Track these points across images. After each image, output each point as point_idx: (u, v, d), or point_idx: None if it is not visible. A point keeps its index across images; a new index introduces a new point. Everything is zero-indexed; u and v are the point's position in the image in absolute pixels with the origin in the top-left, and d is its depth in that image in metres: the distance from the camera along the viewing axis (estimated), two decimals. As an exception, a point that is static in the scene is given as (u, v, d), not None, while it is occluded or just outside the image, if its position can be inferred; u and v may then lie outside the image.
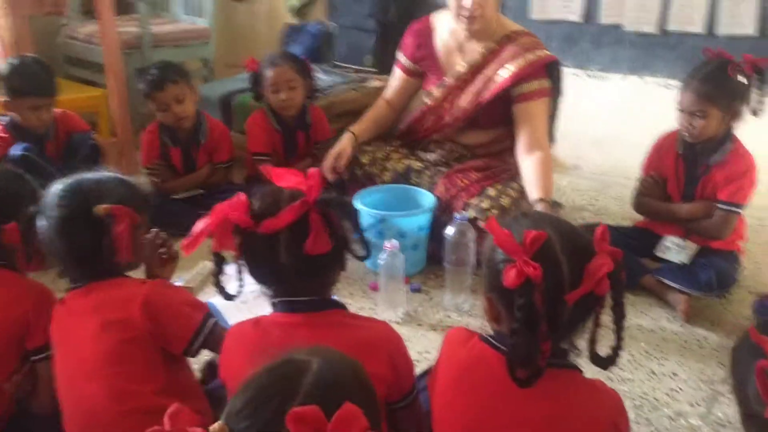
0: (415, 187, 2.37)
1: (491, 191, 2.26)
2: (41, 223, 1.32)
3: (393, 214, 2.19)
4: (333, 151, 2.42)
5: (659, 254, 2.24)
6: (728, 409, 1.69)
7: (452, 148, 2.46)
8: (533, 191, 2.17)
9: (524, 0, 3.23)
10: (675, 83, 2.98)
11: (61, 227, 1.29)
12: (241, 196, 1.18)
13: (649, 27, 2.97)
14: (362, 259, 1.24)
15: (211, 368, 1.47)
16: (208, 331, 1.31)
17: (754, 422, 0.82)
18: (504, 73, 2.28)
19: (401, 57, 2.53)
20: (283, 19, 4.08)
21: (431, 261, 2.29)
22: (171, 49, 3.64)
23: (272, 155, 2.70)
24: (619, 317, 1.05)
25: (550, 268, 0.97)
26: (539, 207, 2.10)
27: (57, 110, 2.52)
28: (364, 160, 2.48)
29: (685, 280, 2.10)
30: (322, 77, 3.27)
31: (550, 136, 2.44)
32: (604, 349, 1.10)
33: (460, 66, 2.37)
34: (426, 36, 2.46)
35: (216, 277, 1.24)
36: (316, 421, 0.66)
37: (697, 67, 2.13)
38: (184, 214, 2.55)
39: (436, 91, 2.41)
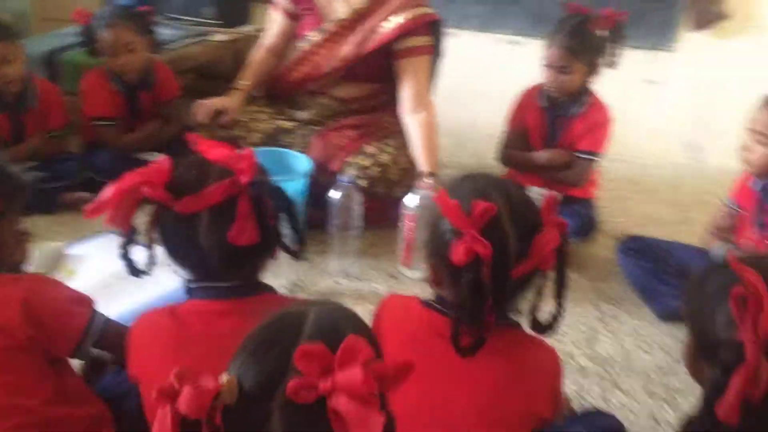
0: (287, 150, 2.23)
1: (369, 149, 2.19)
2: None
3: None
4: (209, 103, 2.19)
5: None
6: (609, 347, 1.80)
7: (325, 102, 2.33)
8: (422, 162, 2.13)
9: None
10: (522, 39, 3.11)
11: None
12: (164, 163, 1.01)
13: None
14: (295, 255, 1.12)
15: (95, 367, 1.27)
16: (100, 328, 1.11)
17: (717, 350, 0.83)
18: (388, 24, 2.18)
19: None
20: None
21: (309, 226, 2.18)
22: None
23: (114, 119, 2.40)
24: (560, 287, 1.04)
25: (498, 242, 0.93)
26: (426, 182, 2.05)
27: None
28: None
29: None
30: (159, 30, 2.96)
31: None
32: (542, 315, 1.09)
33: (342, 12, 2.23)
34: None
35: (124, 249, 1.07)
36: (323, 356, 0.65)
37: (559, 22, 2.19)
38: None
39: (314, 36, 2.26)
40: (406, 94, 2.22)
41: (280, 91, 2.38)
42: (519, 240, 0.95)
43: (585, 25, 2.12)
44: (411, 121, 2.21)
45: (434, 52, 2.32)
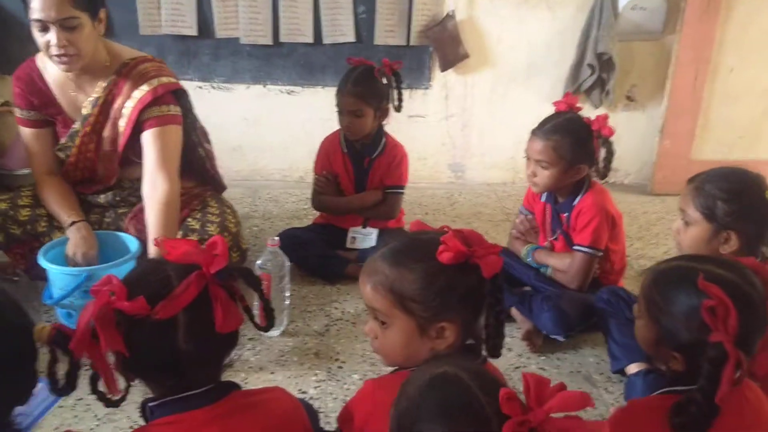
0: (105, 231, 2.11)
1: (192, 222, 2.15)
2: None
3: (101, 267, 1.92)
4: (77, 251, 1.97)
5: (350, 246, 2.50)
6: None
7: (119, 183, 2.21)
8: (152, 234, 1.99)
9: (133, 18, 3.06)
10: (295, 88, 3.30)
11: None
12: (113, 279, 0.97)
13: (265, 39, 3.17)
14: (265, 330, 1.14)
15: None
16: None
17: (694, 347, 1.09)
18: (130, 103, 2.04)
19: (21, 112, 2.10)
20: None
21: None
22: None
23: None
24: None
25: None
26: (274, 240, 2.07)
27: None
28: (24, 215, 2.09)
29: (381, 260, 2.40)
30: None
31: (204, 152, 2.33)
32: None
33: (85, 108, 2.07)
34: (35, 80, 2.08)
35: (93, 383, 1.00)
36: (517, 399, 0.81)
37: (347, 72, 2.41)
38: None
39: (70, 141, 2.10)
40: (146, 167, 2.05)
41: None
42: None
43: (369, 73, 2.37)
44: (149, 200, 2.01)
45: (185, 120, 2.17)
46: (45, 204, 2.10)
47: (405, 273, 1.09)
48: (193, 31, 3.10)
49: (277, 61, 3.24)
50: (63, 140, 2.11)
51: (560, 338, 2.04)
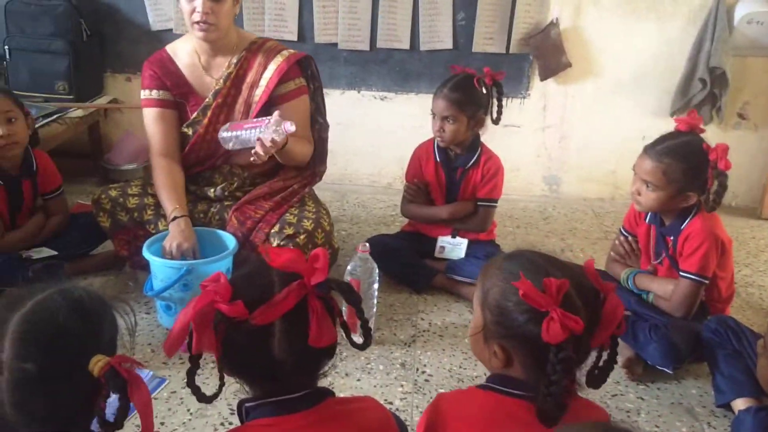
0: (206, 228, 2.16)
1: (289, 217, 2.18)
2: None
3: (200, 262, 1.96)
4: (174, 245, 2.02)
5: (438, 255, 2.45)
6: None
7: (227, 171, 2.29)
8: None
9: (238, 22, 3.12)
10: (388, 95, 3.29)
11: None
12: (222, 277, 0.97)
13: (362, 45, 3.18)
14: (362, 348, 1.12)
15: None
16: None
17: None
18: (267, 74, 2.21)
19: (150, 93, 2.22)
20: None
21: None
22: None
23: (-6, 215, 2.16)
24: (615, 343, 1.09)
25: (576, 315, 0.98)
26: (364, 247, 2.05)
27: None
28: (132, 203, 2.17)
29: (470, 272, 2.34)
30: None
31: (322, 122, 2.47)
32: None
33: (216, 84, 2.21)
34: (168, 63, 2.23)
35: (190, 377, 1.00)
36: None
37: (447, 78, 2.37)
38: None
39: (201, 116, 2.21)
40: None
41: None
42: (587, 310, 1.02)
43: (468, 81, 2.32)
44: None
45: (311, 89, 2.36)
46: (155, 187, 2.18)
47: (498, 279, 1.07)
48: (293, 36, 3.15)
49: (373, 67, 3.24)
50: (194, 115, 2.21)
51: (668, 370, 1.92)
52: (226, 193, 2.27)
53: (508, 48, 3.14)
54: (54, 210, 2.33)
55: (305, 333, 0.97)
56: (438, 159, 2.46)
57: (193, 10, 2.07)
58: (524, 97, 3.24)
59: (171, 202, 2.11)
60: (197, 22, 2.08)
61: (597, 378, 1.11)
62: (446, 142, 2.38)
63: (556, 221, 3.15)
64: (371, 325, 2.04)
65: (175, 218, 2.07)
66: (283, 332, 0.97)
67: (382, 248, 2.35)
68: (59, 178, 2.35)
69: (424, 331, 2.16)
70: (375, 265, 2.03)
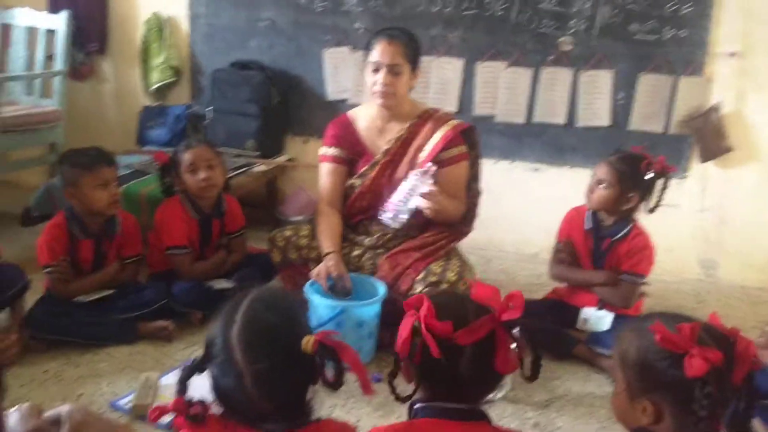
0: (359, 274, 2.38)
1: (435, 267, 2.34)
2: None
3: (353, 304, 2.17)
4: (324, 273, 2.28)
5: (580, 327, 2.47)
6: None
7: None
8: None
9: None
10: (541, 166, 3.40)
11: None
12: (425, 299, 1.18)
13: (518, 119, 3.35)
14: (531, 380, 1.28)
15: None
16: None
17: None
18: (432, 141, 2.44)
19: (328, 150, 2.54)
20: (134, 101, 3.87)
21: (380, 347, 2.30)
22: (19, 135, 3.26)
23: (188, 247, 2.52)
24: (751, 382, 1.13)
25: None
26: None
27: None
28: (302, 243, 2.44)
29: (614, 345, 2.33)
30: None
31: (475, 189, 2.65)
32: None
33: (387, 144, 2.48)
34: (348, 126, 2.55)
35: (391, 378, 1.25)
36: None
37: (621, 150, 2.49)
38: (95, 321, 2.29)
39: (370, 171, 2.48)
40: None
41: (344, 223, 2.54)
42: (722, 352, 1.08)
43: (637, 160, 2.40)
44: None
45: (471, 156, 2.56)
46: (317, 229, 2.45)
47: (634, 338, 1.16)
48: (453, 108, 3.38)
49: (527, 139, 3.38)
50: (363, 169, 2.50)
51: None
52: (380, 243, 2.49)
53: (667, 128, 3.16)
54: (235, 248, 2.67)
55: (489, 359, 1.15)
56: (588, 226, 2.52)
57: (375, 82, 2.37)
58: (682, 178, 3.20)
59: (327, 242, 2.38)
60: (378, 92, 2.38)
61: (738, 424, 1.13)
62: (591, 205, 2.46)
63: (709, 306, 3.02)
64: (508, 382, 2.13)
65: (327, 253, 2.33)
66: (473, 354, 1.15)
67: (525, 312, 2.42)
68: (243, 220, 2.70)
69: (560, 396, 2.19)
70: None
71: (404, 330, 1.19)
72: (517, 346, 1.18)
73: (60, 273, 2.28)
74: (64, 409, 1.37)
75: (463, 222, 2.62)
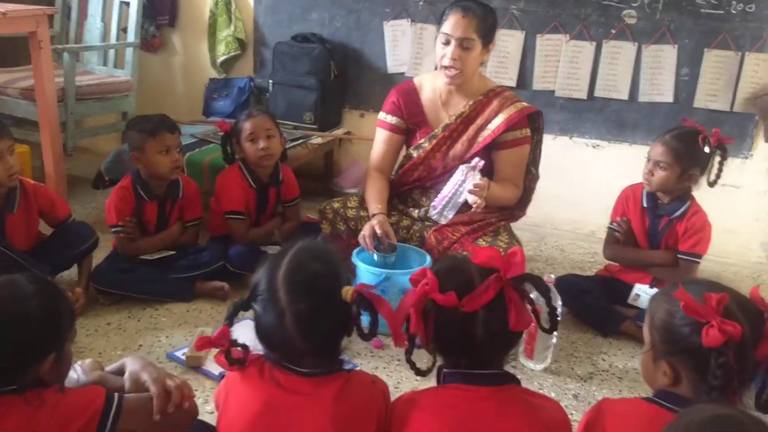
0: (407, 245, 2.42)
1: (482, 243, 2.36)
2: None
3: (397, 272, 2.22)
4: (370, 233, 2.34)
5: (631, 302, 2.44)
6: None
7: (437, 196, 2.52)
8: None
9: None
10: (601, 143, 3.34)
11: None
12: (428, 272, 1.19)
13: (579, 93, 3.29)
14: (548, 332, 1.30)
15: None
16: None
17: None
18: (497, 121, 2.42)
19: (387, 117, 2.57)
20: (201, 73, 3.99)
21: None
22: (94, 102, 3.42)
23: (245, 214, 2.63)
24: None
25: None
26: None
27: (27, 181, 2.33)
28: (350, 214, 2.50)
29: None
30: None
31: (534, 173, 2.63)
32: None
33: (449, 119, 2.48)
34: (413, 93, 2.55)
35: (408, 354, 1.25)
36: None
37: (673, 127, 2.43)
38: (156, 279, 2.41)
39: (427, 143, 2.50)
40: (499, 176, 2.46)
41: (394, 191, 2.60)
42: (750, 325, 1.09)
43: (693, 136, 2.34)
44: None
45: (533, 141, 2.54)
46: (365, 193, 2.51)
47: (664, 301, 1.17)
48: (512, 83, 3.36)
49: (588, 115, 3.32)
50: (421, 141, 2.52)
51: None
52: (428, 215, 2.52)
53: (732, 106, 3.05)
54: (289, 216, 2.76)
55: (504, 319, 1.15)
56: (645, 204, 2.48)
57: (444, 55, 2.34)
58: (746, 158, 3.10)
59: (374, 204, 2.43)
60: (446, 67, 2.35)
61: (764, 401, 1.14)
62: (652, 187, 2.41)
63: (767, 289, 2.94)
64: (550, 354, 2.14)
65: (374, 215, 2.38)
66: (485, 318, 1.15)
67: (573, 287, 2.42)
68: (298, 190, 2.78)
69: (603, 370, 2.19)
70: (558, 297, 2.12)
71: (404, 306, 1.19)
72: (528, 302, 1.18)
73: (126, 232, 2.43)
74: (125, 361, 1.50)
75: (518, 206, 2.62)
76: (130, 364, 1.47)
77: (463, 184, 2.28)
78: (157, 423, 1.32)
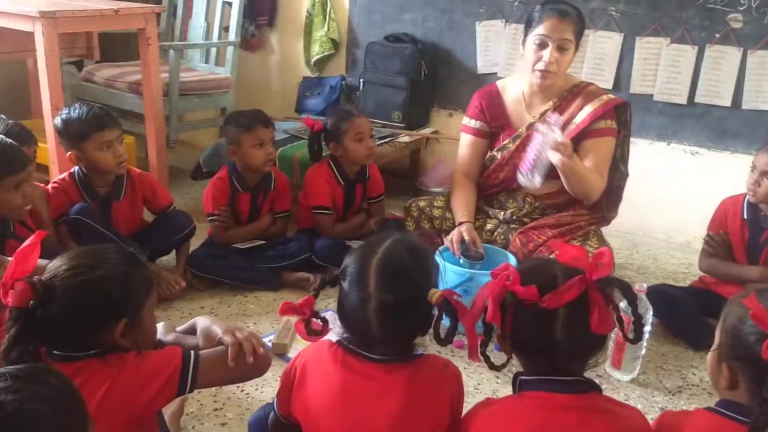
0: (491, 246, 2.41)
1: None
2: None
3: (481, 272, 2.21)
4: (458, 238, 2.34)
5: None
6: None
7: (521, 198, 2.51)
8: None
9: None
10: (700, 150, 3.20)
11: None
12: (510, 267, 1.18)
13: (678, 98, 3.16)
14: (633, 342, 1.27)
15: None
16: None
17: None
18: (581, 114, 2.37)
19: (470, 121, 2.56)
20: (295, 72, 4.11)
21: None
22: (195, 98, 3.59)
23: (332, 209, 2.69)
24: None
25: None
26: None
27: (134, 170, 2.48)
28: (436, 213, 2.51)
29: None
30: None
31: (623, 171, 2.56)
32: None
33: (532, 118, 2.44)
34: (496, 96, 2.54)
35: (483, 347, 1.25)
36: None
37: None
38: (246, 267, 2.51)
39: (511, 144, 2.48)
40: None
41: (480, 194, 2.59)
42: None
43: None
44: None
45: (620, 134, 2.46)
46: (451, 198, 2.51)
47: (738, 305, 1.12)
48: (608, 85, 3.25)
49: (688, 121, 3.19)
50: (505, 142, 2.50)
51: None
52: (514, 218, 2.49)
53: None
54: (374, 212, 2.80)
55: (586, 321, 1.12)
56: (745, 216, 2.35)
57: (539, 59, 2.30)
58: None
59: (461, 211, 2.43)
60: (540, 70, 2.32)
61: None
62: (758, 198, 2.28)
63: None
64: (638, 365, 2.08)
65: (461, 223, 2.37)
66: (566, 318, 1.13)
67: (665, 297, 2.34)
68: (383, 187, 2.82)
69: (693, 385, 2.10)
70: (649, 307, 2.05)
71: (480, 298, 1.18)
72: (612, 307, 1.14)
73: (221, 221, 2.54)
74: (195, 320, 1.56)
75: (606, 206, 2.55)
76: (201, 322, 1.51)
77: (545, 142, 2.21)
78: (233, 373, 1.35)
